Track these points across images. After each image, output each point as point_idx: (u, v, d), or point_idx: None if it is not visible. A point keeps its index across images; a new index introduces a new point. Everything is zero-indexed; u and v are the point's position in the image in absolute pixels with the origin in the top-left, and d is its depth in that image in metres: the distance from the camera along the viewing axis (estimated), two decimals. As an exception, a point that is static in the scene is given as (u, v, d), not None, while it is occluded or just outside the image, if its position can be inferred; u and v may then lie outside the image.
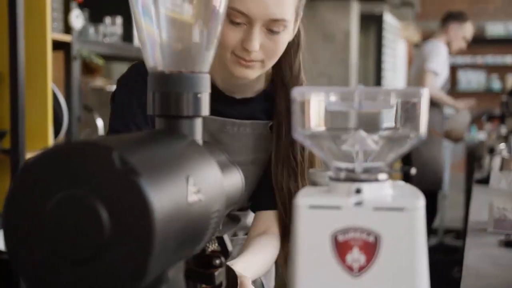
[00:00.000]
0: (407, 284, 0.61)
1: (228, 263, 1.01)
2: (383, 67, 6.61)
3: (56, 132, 2.88)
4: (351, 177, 0.62)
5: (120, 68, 4.38)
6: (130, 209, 0.50)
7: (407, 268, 0.60)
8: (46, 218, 0.52)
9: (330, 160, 0.64)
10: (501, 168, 2.53)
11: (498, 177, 2.35)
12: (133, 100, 1.20)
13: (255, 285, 1.29)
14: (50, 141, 2.72)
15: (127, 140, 0.58)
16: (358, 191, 0.60)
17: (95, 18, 3.43)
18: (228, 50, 1.14)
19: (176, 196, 0.55)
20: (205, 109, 0.67)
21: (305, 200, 0.61)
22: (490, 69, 8.36)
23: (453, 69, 7.32)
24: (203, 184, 0.60)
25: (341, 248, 0.60)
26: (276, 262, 1.33)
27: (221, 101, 1.24)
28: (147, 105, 0.67)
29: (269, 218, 1.28)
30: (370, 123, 0.64)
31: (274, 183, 1.25)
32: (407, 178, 3.30)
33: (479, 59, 8.30)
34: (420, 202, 0.60)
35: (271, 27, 1.12)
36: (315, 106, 0.63)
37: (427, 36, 5.96)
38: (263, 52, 1.14)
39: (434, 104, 4.19)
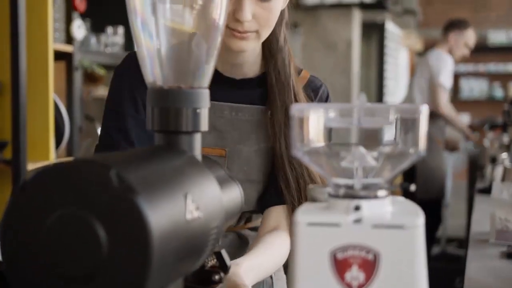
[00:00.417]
0: (407, 301, 0.60)
1: (233, 262, 0.99)
2: (385, 75, 6.61)
3: (58, 142, 2.88)
4: (350, 194, 0.61)
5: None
6: (127, 227, 0.50)
7: (407, 286, 0.59)
8: (44, 236, 0.52)
9: (329, 177, 0.63)
10: (503, 178, 2.52)
11: (500, 188, 2.34)
12: (124, 91, 1.20)
13: (263, 286, 1.27)
14: (52, 151, 2.72)
15: (125, 157, 0.58)
16: (357, 208, 0.60)
17: (96, 28, 3.44)
18: None
19: (174, 214, 0.55)
20: (204, 125, 0.67)
21: (304, 217, 0.61)
22: (492, 77, 8.35)
23: (455, 77, 7.30)
24: (202, 200, 0.60)
25: (340, 265, 0.59)
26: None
27: (220, 83, 1.21)
28: (146, 120, 0.67)
29: (279, 214, 1.24)
30: (370, 139, 0.63)
31: (281, 178, 1.22)
32: (407, 194, 3.29)
33: (481, 67, 8.29)
34: (419, 219, 0.60)
35: None
36: (314, 123, 0.63)
37: (429, 45, 5.95)
38: (257, 22, 1.14)
39: (437, 114, 4.19)
